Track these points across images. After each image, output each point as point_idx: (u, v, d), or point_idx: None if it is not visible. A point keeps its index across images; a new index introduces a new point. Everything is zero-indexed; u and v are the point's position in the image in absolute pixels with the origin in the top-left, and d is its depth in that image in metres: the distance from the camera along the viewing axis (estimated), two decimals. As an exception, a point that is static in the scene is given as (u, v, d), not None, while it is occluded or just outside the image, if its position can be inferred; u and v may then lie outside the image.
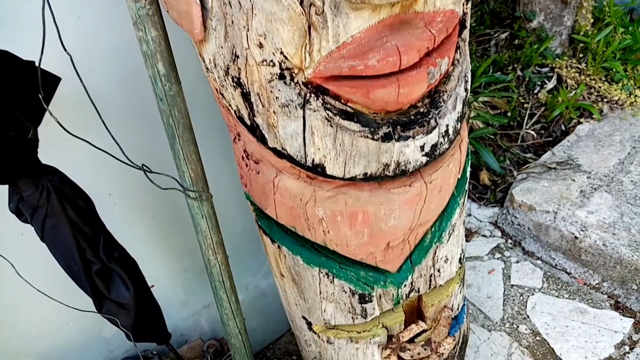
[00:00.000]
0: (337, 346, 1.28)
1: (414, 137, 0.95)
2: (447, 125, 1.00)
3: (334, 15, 0.79)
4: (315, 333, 1.28)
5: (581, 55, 2.82)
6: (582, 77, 2.71)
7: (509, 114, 2.67)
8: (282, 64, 0.83)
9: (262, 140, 0.95)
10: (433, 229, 1.18)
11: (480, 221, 2.43)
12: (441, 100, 0.98)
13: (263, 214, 1.11)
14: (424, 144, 0.97)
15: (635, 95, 2.67)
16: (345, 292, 1.15)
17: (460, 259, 1.30)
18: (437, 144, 0.99)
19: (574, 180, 2.26)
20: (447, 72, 0.97)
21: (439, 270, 1.24)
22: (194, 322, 1.75)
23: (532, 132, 2.59)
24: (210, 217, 1.12)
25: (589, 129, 2.56)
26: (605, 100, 2.66)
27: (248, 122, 0.93)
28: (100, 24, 1.16)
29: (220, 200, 1.56)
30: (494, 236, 2.35)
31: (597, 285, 2.04)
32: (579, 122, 2.61)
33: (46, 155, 1.02)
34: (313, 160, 0.94)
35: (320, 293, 1.16)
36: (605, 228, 2.00)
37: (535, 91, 2.75)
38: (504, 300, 2.05)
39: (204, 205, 1.09)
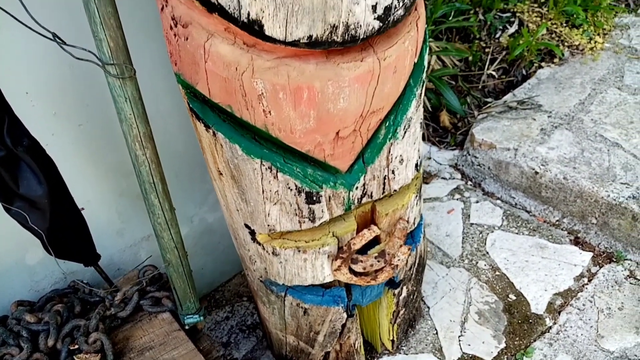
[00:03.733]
0: (284, 258, 1.16)
1: (364, -7, 0.83)
2: (403, -14, 0.88)
3: None
4: (259, 244, 1.16)
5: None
6: (544, 21, 2.65)
7: (470, 58, 2.60)
8: None
9: (187, -13, 0.81)
10: (387, 123, 1.06)
11: (440, 164, 2.36)
12: (396, -45, 0.86)
13: (195, 95, 0.97)
14: (377, 3, 0.85)
15: (595, 41, 2.63)
16: (291, 190, 1.03)
17: (416, 164, 1.20)
18: (391, 6, 0.87)
19: (534, 119, 2.20)
20: None
21: (393, 172, 1.13)
22: (132, 255, 1.60)
23: (494, 74, 2.52)
24: (136, 101, 0.97)
25: (549, 73, 2.51)
26: (566, 44, 2.62)
27: (170, -38, 0.79)
28: None
29: (156, 109, 1.40)
30: (454, 178, 2.28)
31: (557, 222, 1.99)
32: (540, 67, 2.55)
33: None
34: (249, 14, 0.81)
35: (263, 192, 1.04)
36: (566, 163, 1.95)
37: (497, 35, 2.68)
38: (462, 238, 1.98)
39: (127, 84, 0.95)
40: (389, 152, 1.09)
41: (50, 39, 0.92)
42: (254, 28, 0.83)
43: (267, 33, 0.83)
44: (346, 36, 0.86)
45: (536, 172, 1.97)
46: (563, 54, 2.55)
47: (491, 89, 2.59)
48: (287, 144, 0.99)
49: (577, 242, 1.91)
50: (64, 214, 1.07)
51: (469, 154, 2.24)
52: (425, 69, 1.12)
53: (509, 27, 2.69)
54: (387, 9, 0.87)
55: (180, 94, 1.04)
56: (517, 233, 1.96)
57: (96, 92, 1.27)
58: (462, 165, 2.29)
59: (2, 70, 1.12)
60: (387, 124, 1.07)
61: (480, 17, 2.70)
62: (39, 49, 1.15)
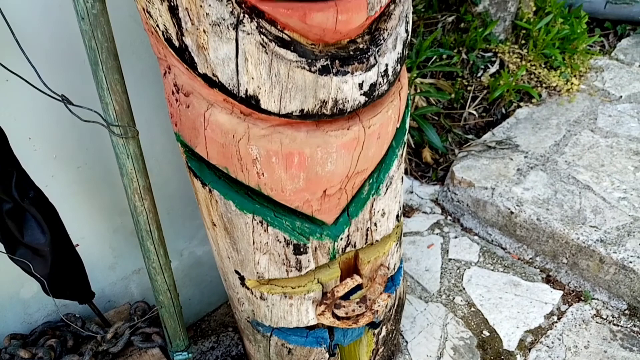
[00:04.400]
0: (271, 302, 1.23)
1: (352, 73, 0.92)
2: (387, 65, 0.97)
3: None
4: (248, 289, 1.23)
5: (523, 41, 2.90)
6: (524, 63, 2.78)
7: (453, 95, 2.71)
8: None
9: (191, 65, 0.88)
10: (371, 180, 1.15)
11: (422, 198, 2.45)
12: (381, 37, 0.95)
13: (193, 155, 1.05)
14: (363, 81, 0.93)
15: (572, 83, 2.76)
16: (280, 242, 1.11)
17: (397, 215, 1.28)
18: (376, 83, 0.96)
19: (511, 159, 2.31)
20: (387, 5, 0.94)
21: (375, 224, 1.22)
22: (123, 288, 1.65)
23: (474, 113, 2.63)
24: (137, 158, 1.04)
25: (527, 113, 2.63)
26: (544, 85, 2.74)
27: (176, 43, 0.87)
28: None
29: (154, 156, 1.48)
30: (434, 213, 2.38)
31: (530, 260, 2.09)
32: (519, 106, 2.68)
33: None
34: (246, 91, 0.89)
35: (253, 243, 1.11)
36: (540, 204, 2.05)
37: (479, 74, 2.79)
38: (441, 273, 2.07)
39: (129, 143, 1.02)
40: (372, 206, 1.18)
41: (59, 100, 0.99)
42: (251, 102, 0.91)
43: (262, 107, 0.91)
44: (335, 110, 0.95)
45: (511, 212, 2.07)
46: (540, 96, 2.67)
47: (472, 126, 2.70)
48: (277, 201, 1.06)
49: (548, 280, 2.00)
50: (64, 258, 1.13)
51: (449, 190, 2.33)
52: (407, 131, 1.21)
53: (490, 66, 2.81)
54: (372, 86, 0.96)
55: (176, 144, 1.12)
56: (492, 270, 2.06)
57: (95, 137, 1.34)
58: (443, 201, 2.39)
59: (7, 116, 1.18)
60: (370, 182, 1.15)
61: (464, 56, 2.81)
62: (43, 98, 1.21)
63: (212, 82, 0.90)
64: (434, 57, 2.66)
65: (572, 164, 2.24)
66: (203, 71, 0.88)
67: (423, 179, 2.54)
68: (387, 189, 1.18)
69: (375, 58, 0.94)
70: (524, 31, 2.87)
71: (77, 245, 1.39)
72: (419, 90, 2.48)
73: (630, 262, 1.76)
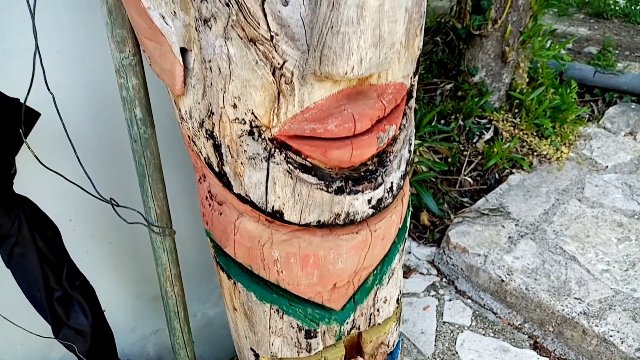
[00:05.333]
0: (281, 377, 1.36)
1: (362, 192, 1.07)
2: (392, 183, 1.13)
3: (300, 85, 0.90)
4: (261, 364, 1.37)
5: (516, 110, 3.09)
6: (516, 131, 2.96)
7: (449, 159, 2.88)
8: (252, 122, 0.93)
9: (227, 186, 1.04)
10: (375, 272, 1.30)
11: (419, 259, 2.59)
12: (388, 160, 1.11)
13: (221, 251, 1.20)
14: (371, 198, 1.09)
15: (562, 151, 2.94)
16: (293, 328, 1.25)
17: (397, 299, 1.43)
18: (382, 198, 1.12)
19: (503, 227, 2.46)
20: (394, 136, 1.10)
21: (378, 310, 1.36)
22: (141, 348, 1.78)
23: (469, 179, 2.80)
24: (171, 251, 1.19)
25: (519, 179, 2.80)
26: (535, 153, 2.92)
27: (216, 170, 1.02)
28: (78, 59, 1.22)
29: (178, 231, 1.63)
30: (430, 274, 2.51)
31: (519, 326, 2.22)
32: (511, 172, 2.85)
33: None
34: (273, 207, 1.04)
35: (269, 328, 1.25)
36: (529, 273, 2.20)
37: (474, 140, 2.97)
38: (436, 336, 2.20)
39: (166, 239, 1.17)
40: (375, 294, 1.32)
41: (107, 202, 1.14)
42: (276, 215, 1.06)
43: (285, 219, 1.07)
44: (346, 220, 1.10)
45: (502, 280, 2.21)
46: (531, 164, 2.85)
47: (467, 189, 2.86)
48: (293, 293, 1.21)
49: (535, 346, 2.13)
50: (100, 334, 1.27)
51: (445, 254, 2.48)
52: (407, 228, 1.37)
53: (485, 133, 2.99)
54: (379, 200, 1.12)
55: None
56: (484, 334, 2.19)
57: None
58: (439, 263, 2.53)
59: (51, 201, 1.33)
60: (374, 273, 1.30)
61: (460, 122, 3.00)
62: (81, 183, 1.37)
63: (244, 199, 1.05)
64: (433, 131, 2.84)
65: (560, 234, 2.40)
66: (237, 192, 1.03)
67: (420, 239, 2.69)
68: (389, 279, 1.33)
69: (382, 178, 1.10)
70: (517, 101, 3.07)
71: (104, 311, 1.53)
72: (417, 160, 2.65)
73: (611, 336, 1.89)
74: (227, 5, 0.80)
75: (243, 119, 0.93)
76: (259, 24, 0.82)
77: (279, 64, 0.86)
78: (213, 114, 0.94)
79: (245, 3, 0.80)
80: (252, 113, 0.92)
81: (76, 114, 1.24)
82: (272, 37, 0.83)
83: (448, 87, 3.10)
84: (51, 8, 1.07)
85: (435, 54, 3.53)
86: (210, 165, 1.04)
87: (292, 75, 0.88)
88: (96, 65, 1.20)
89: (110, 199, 1.13)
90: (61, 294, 1.12)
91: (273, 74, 0.87)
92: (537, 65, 3.24)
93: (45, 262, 1.07)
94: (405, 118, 1.16)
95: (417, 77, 1.18)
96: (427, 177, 2.70)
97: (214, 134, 0.97)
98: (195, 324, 1.92)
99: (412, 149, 1.20)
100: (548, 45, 3.39)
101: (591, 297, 2.06)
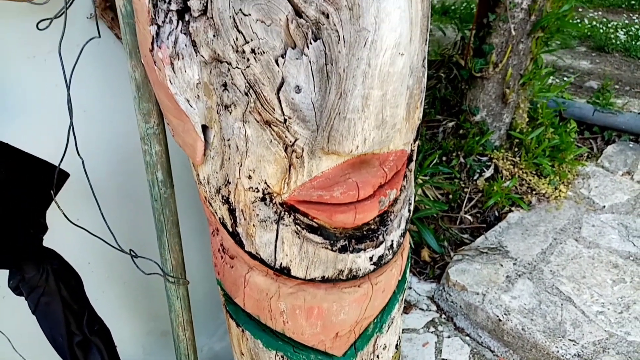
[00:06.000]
0: (284, 418, 1.43)
1: (365, 250, 1.15)
2: (393, 241, 1.21)
3: (309, 158, 0.99)
4: (265, 404, 1.44)
5: (516, 149, 3.18)
6: (516, 170, 3.05)
7: (450, 195, 2.96)
8: (265, 190, 1.02)
9: (239, 244, 1.13)
10: (375, 321, 1.37)
11: (419, 295, 2.66)
12: (389, 219, 1.20)
13: (231, 301, 1.28)
14: (373, 255, 1.17)
15: (560, 190, 3.02)
16: (297, 372, 1.32)
17: (396, 345, 1.50)
18: (383, 255, 1.20)
19: (502, 265, 2.53)
20: (395, 199, 1.19)
21: (378, 356, 1.43)
22: (149, 382, 1.85)
23: (469, 217, 2.88)
24: (184, 299, 1.27)
25: (518, 217, 2.88)
26: (534, 192, 3.00)
27: (230, 230, 1.11)
28: (104, 119, 1.32)
29: (188, 271, 1.71)
30: (430, 310, 2.58)
31: (516, 364, 2.28)
32: (511, 210, 2.92)
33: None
34: (281, 264, 1.12)
35: (274, 372, 1.33)
36: (525, 314, 2.26)
37: (475, 177, 3.06)
38: (434, 373, 2.26)
39: (180, 288, 1.25)
40: (375, 342, 1.40)
41: (127, 253, 1.23)
42: (283, 271, 1.14)
43: (292, 274, 1.15)
44: (349, 275, 1.18)
45: (500, 320, 2.28)
46: (530, 203, 2.93)
47: (467, 226, 2.94)
48: (297, 340, 1.29)
49: (532, 386, 2.19)
50: (114, 374, 1.34)
51: (444, 290, 2.55)
52: (407, 280, 1.44)
53: (486, 170, 3.08)
54: (381, 257, 1.20)
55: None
56: (481, 372, 2.25)
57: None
58: (438, 299, 2.60)
59: (73, 248, 1.42)
60: (375, 322, 1.37)
61: (462, 159, 3.09)
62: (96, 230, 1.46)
63: (254, 256, 1.14)
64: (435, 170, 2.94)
65: (557, 274, 2.46)
66: (248, 250, 1.12)
67: (421, 275, 2.76)
68: (388, 327, 1.40)
69: (383, 236, 1.18)
70: (517, 140, 3.16)
71: (116, 346, 1.61)
72: (418, 198, 2.73)
73: (604, 379, 1.95)
74: (247, 94, 0.89)
75: (257, 188, 1.02)
76: (274, 110, 0.91)
77: (290, 142, 0.95)
78: (229, 183, 1.03)
79: (262, 92, 0.89)
80: (265, 182, 1.01)
81: (100, 170, 1.33)
82: (285, 120, 0.92)
83: (450, 124, 3.20)
84: (84, 79, 1.17)
85: (439, 90, 3.63)
86: (224, 225, 1.12)
87: (302, 150, 0.97)
88: (121, 128, 1.30)
89: (130, 250, 1.22)
90: (81, 339, 1.20)
91: (285, 150, 0.96)
92: (537, 105, 3.33)
93: (68, 309, 1.15)
94: (405, 180, 1.24)
95: (417, 143, 1.27)
96: (429, 214, 2.78)
97: (230, 199, 1.06)
98: (202, 357, 1.99)
99: (411, 209, 1.29)
100: (548, 85, 3.49)
101: (585, 339, 2.12)
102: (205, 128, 0.99)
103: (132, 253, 1.21)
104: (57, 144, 1.08)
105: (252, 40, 0.85)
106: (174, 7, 0.86)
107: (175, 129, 1.03)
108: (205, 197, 1.14)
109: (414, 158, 1.28)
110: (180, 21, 0.88)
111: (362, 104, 0.89)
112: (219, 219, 1.13)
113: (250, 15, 0.84)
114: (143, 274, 1.62)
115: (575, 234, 2.74)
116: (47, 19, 1.02)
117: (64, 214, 1.07)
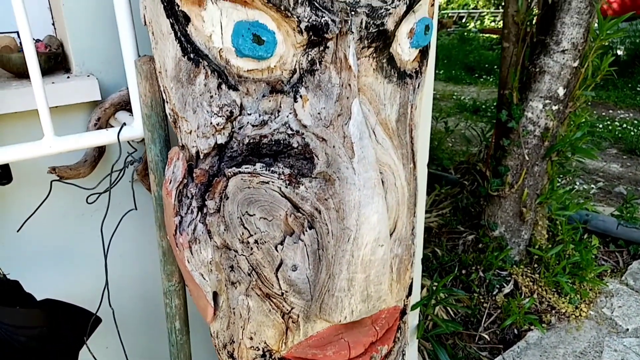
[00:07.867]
0: None
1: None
2: (387, 389, 1.31)
3: (305, 322, 1.13)
4: None
5: (536, 265, 3.22)
6: (535, 287, 3.08)
7: (469, 310, 3.00)
8: (265, 349, 1.16)
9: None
10: None
11: (435, 415, 2.65)
12: (383, 375, 1.30)
13: None
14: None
15: (581, 309, 3.01)
16: None
17: None
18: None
19: (518, 390, 2.52)
20: (388, 352, 1.30)
21: None
22: None
23: (486, 336, 2.89)
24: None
25: (537, 337, 2.87)
26: (554, 310, 3.01)
27: None
28: (135, 263, 1.51)
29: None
30: None
31: None
32: (530, 329, 2.93)
33: None
34: (279, 413, 1.24)
35: None
36: None
37: (494, 292, 3.10)
38: None
39: None
40: None
41: (145, 389, 1.36)
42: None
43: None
44: None
45: None
46: (549, 322, 2.93)
47: (486, 342, 2.95)
48: None
49: None
50: None
51: (460, 413, 2.54)
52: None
53: (505, 285, 3.12)
54: (373, 407, 1.29)
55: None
56: None
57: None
58: (453, 422, 2.58)
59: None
60: None
61: (481, 274, 3.15)
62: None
63: (256, 404, 1.25)
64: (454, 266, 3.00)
65: (575, 403, 2.43)
66: (250, 399, 1.24)
67: (437, 394, 2.75)
68: None
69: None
70: (536, 256, 3.21)
71: None
72: (430, 318, 2.79)
73: None
74: (249, 275, 1.06)
75: (257, 347, 1.15)
76: (273, 285, 1.07)
77: (287, 310, 1.10)
78: (234, 341, 1.17)
79: (263, 273, 1.05)
80: (265, 342, 1.15)
81: (123, 308, 1.51)
82: (282, 293, 1.08)
83: (470, 238, 3.29)
84: (119, 242, 1.37)
85: (461, 200, 3.76)
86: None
87: (298, 317, 1.11)
88: (147, 281, 1.49)
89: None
90: None
91: (282, 317, 1.11)
92: (556, 222, 3.40)
93: None
94: (399, 331, 1.36)
95: (410, 297, 1.39)
96: (444, 331, 2.81)
97: (234, 355, 1.19)
98: None
99: (405, 358, 1.39)
100: (573, 192, 3.55)
101: None
102: (215, 294, 1.15)
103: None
104: (94, 291, 1.26)
105: (255, 233, 1.03)
106: (194, 204, 1.05)
107: (191, 292, 1.20)
108: (216, 347, 1.28)
109: (408, 312, 1.40)
110: (199, 213, 1.07)
111: (348, 285, 1.04)
112: (225, 368, 1.26)
113: (254, 215, 1.02)
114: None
115: (595, 358, 2.71)
116: (95, 193, 1.23)
117: (94, 357, 1.23)
